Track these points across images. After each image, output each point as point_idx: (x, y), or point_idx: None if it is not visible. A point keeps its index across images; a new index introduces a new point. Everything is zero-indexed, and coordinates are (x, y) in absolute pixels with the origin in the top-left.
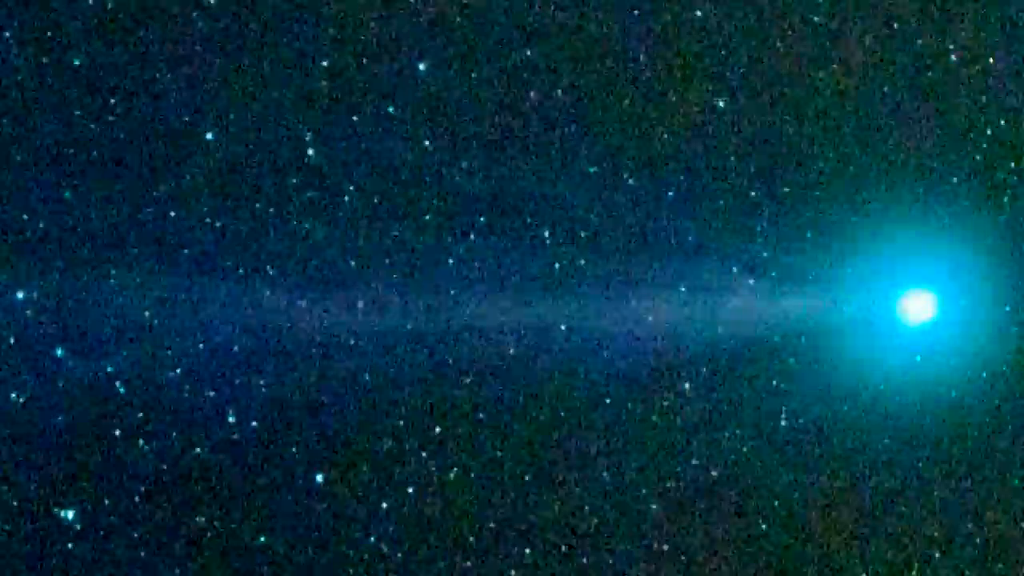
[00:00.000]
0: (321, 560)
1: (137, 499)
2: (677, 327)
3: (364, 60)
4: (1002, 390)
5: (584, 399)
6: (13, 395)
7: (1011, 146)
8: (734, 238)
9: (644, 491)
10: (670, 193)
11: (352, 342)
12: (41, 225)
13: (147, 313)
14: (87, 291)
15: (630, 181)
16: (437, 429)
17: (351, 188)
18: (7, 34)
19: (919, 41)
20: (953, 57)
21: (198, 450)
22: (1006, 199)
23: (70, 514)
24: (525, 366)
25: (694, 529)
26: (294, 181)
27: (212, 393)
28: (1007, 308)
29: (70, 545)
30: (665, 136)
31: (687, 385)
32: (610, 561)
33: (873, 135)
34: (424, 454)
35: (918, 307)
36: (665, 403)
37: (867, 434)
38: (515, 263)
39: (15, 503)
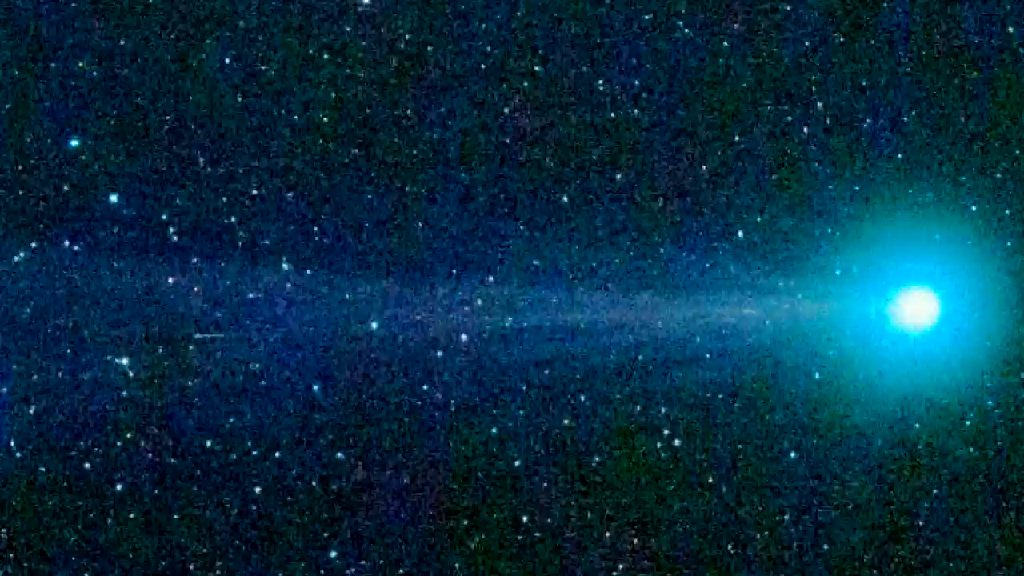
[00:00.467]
0: (321, 560)
1: (135, 502)
2: (676, 328)
3: (365, 60)
4: (1002, 391)
5: (583, 399)
6: (12, 397)
7: (1011, 146)
8: (734, 239)
9: (642, 491)
10: (669, 194)
11: (352, 342)
12: (44, 223)
13: (147, 314)
14: (89, 290)
15: (628, 182)
16: (437, 429)
17: (351, 188)
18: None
19: (919, 41)
20: (953, 57)
21: (197, 451)
22: (1006, 199)
23: (125, 360)
24: (525, 366)
25: (691, 530)
26: (294, 182)
27: (211, 394)
28: (1007, 309)
29: (124, 392)
30: (665, 137)
31: (685, 386)
32: (608, 562)
33: (873, 136)
34: (423, 455)
35: (918, 309)
36: (664, 403)
37: (867, 435)
38: (515, 263)
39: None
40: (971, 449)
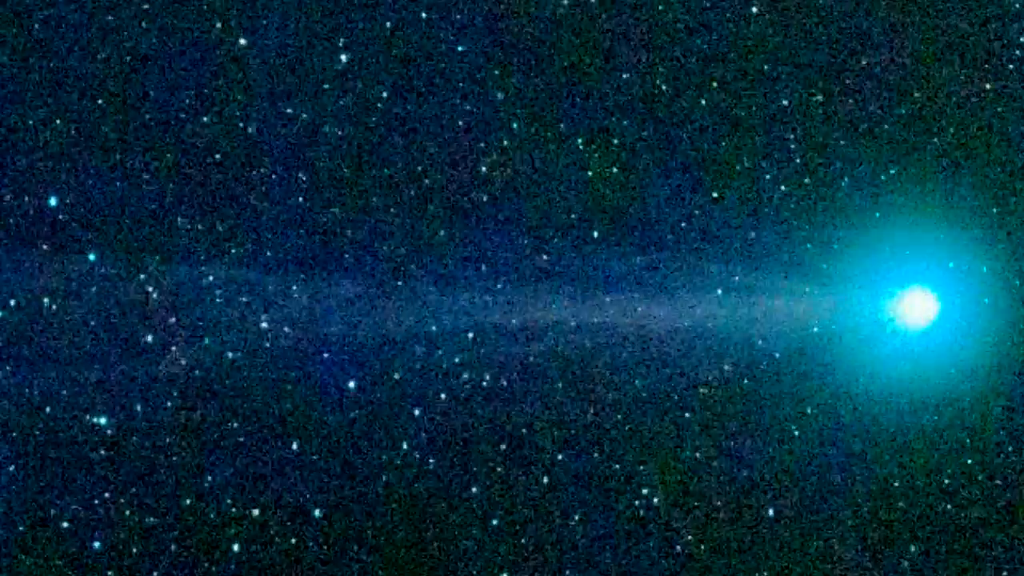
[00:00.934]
0: (320, 561)
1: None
2: (675, 330)
3: (364, 62)
4: (1002, 391)
5: (582, 399)
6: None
7: (1011, 146)
8: (734, 239)
9: (648, 491)
10: (669, 196)
11: (351, 343)
12: (43, 224)
13: (148, 314)
14: (93, 290)
15: (630, 184)
16: (435, 430)
17: (351, 189)
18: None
19: (919, 41)
20: (953, 58)
21: (196, 453)
22: (1006, 199)
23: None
24: (527, 366)
25: (696, 529)
26: (293, 182)
27: (210, 394)
28: (1007, 309)
29: (101, 451)
30: (667, 138)
31: (686, 386)
32: (616, 561)
33: (874, 136)
34: (423, 455)
35: (918, 309)
36: (665, 404)
37: (867, 434)
38: (516, 264)
39: (47, 409)
40: (971, 449)
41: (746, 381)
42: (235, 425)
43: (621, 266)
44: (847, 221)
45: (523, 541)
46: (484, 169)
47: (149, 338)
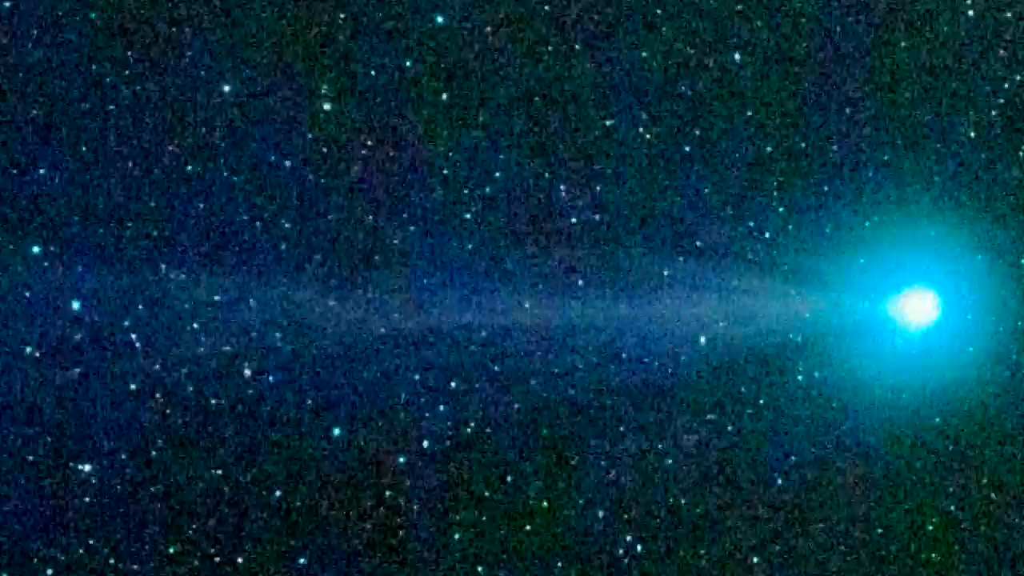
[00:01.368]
0: (318, 564)
1: (153, 450)
2: (674, 330)
3: (364, 62)
4: (1002, 391)
5: (582, 401)
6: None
7: (1011, 146)
8: (733, 241)
9: (644, 492)
10: (669, 195)
11: (351, 344)
12: (38, 225)
13: (143, 316)
14: (86, 292)
15: (629, 183)
16: (434, 431)
17: (351, 189)
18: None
19: (919, 41)
20: (953, 57)
21: (194, 454)
22: (1006, 199)
23: (87, 467)
24: (523, 368)
25: (694, 530)
26: (292, 182)
27: (209, 395)
28: (1008, 310)
29: (86, 499)
30: (665, 138)
31: (685, 387)
32: (610, 563)
33: (873, 136)
34: (421, 456)
35: (919, 309)
36: (664, 404)
37: (867, 434)
38: (514, 264)
39: (31, 456)
40: (971, 449)
41: (745, 381)
42: (235, 426)
43: (621, 266)
44: (847, 221)
45: (523, 541)
46: (484, 169)
47: (149, 338)
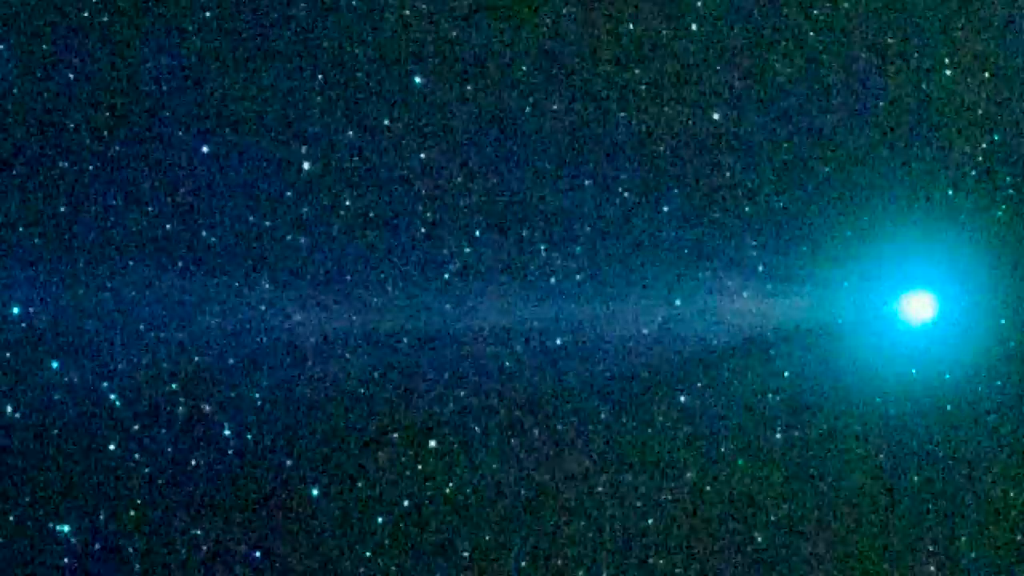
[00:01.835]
0: (317, 569)
1: (132, 510)
2: (675, 330)
3: (364, 65)
4: (1002, 390)
5: (581, 402)
6: (9, 407)
7: (1011, 146)
8: (733, 240)
9: (640, 493)
10: (668, 195)
11: (350, 345)
12: (37, 232)
13: (141, 321)
14: (84, 298)
15: (627, 184)
16: (434, 431)
17: (351, 190)
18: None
19: (918, 42)
20: (953, 58)
21: (194, 459)
22: (1006, 199)
23: (66, 527)
24: (521, 370)
25: (690, 532)
26: (292, 183)
27: (209, 399)
28: (1006, 309)
29: (65, 559)
30: (664, 139)
31: (685, 387)
32: (608, 562)
33: (873, 136)
34: (421, 456)
35: (917, 308)
36: (663, 405)
37: (867, 435)
38: (512, 267)
39: (11, 517)
40: (971, 449)
41: (744, 381)
42: (233, 425)
43: (620, 267)
44: (847, 221)
45: (523, 541)
46: (484, 169)
47: (148, 338)
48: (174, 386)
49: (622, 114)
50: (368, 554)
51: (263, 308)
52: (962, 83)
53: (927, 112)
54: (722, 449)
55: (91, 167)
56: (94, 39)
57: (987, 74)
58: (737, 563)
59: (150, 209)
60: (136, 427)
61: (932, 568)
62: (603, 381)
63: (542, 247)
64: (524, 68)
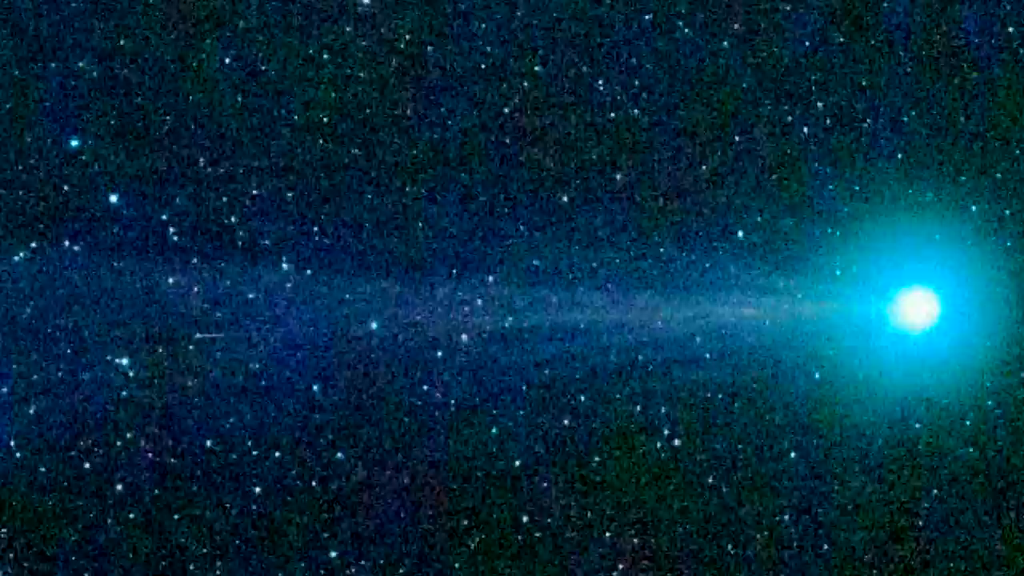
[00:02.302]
0: (321, 560)
1: (133, 506)
2: (676, 328)
3: (365, 59)
4: (1002, 391)
5: (583, 399)
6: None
7: (1011, 146)
8: (734, 239)
9: (642, 491)
10: (669, 194)
11: (352, 342)
12: (43, 223)
13: (147, 313)
14: (89, 290)
15: (628, 182)
16: (437, 429)
17: (351, 189)
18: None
19: (919, 41)
20: (953, 57)
21: (197, 451)
22: (1006, 199)
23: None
24: (525, 366)
25: (691, 530)
26: (292, 183)
27: (211, 394)
28: (1007, 309)
29: (65, 558)
30: (663, 139)
31: (686, 385)
32: (608, 562)
33: (873, 136)
34: (423, 455)
35: (918, 309)
36: (664, 403)
37: (867, 434)
38: (515, 263)
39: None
40: (971, 449)
41: (746, 381)
42: (235, 425)
43: (622, 266)
44: (847, 221)
45: (523, 541)
46: (484, 169)
47: (148, 339)
48: (177, 375)
49: (621, 110)
50: (368, 551)
51: (265, 303)
52: (962, 83)
53: (928, 111)
54: (723, 447)
55: (94, 160)
56: (95, 37)
57: (988, 73)
58: (737, 561)
59: (150, 204)
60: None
61: (932, 566)
62: (601, 379)
63: (543, 245)
64: (524, 68)
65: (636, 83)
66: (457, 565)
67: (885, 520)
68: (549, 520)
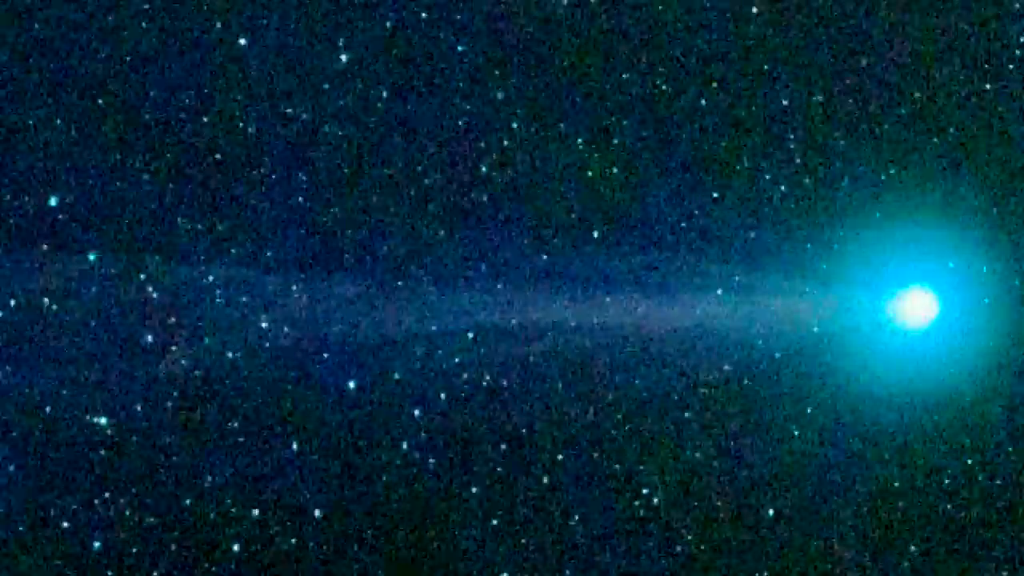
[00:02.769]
0: (319, 562)
1: (133, 504)
2: (676, 328)
3: (365, 61)
4: (1002, 391)
5: (582, 399)
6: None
7: (1011, 146)
8: (734, 239)
9: (648, 490)
10: (669, 196)
11: (351, 343)
12: (44, 223)
13: (148, 315)
14: (94, 290)
15: (628, 183)
16: (432, 432)
17: (351, 189)
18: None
19: (919, 41)
20: (952, 57)
21: (195, 452)
22: (1006, 199)
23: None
24: (527, 366)
25: (696, 529)
26: (293, 182)
27: (209, 394)
28: (1007, 309)
29: (65, 556)
30: (664, 138)
31: (686, 386)
32: (615, 562)
33: (873, 136)
34: (420, 457)
35: (918, 309)
36: (665, 403)
37: (867, 434)
38: (516, 264)
39: (10, 516)
40: (971, 449)
41: (746, 381)
42: (235, 425)
43: (621, 266)
44: (847, 221)
45: (523, 541)
46: (484, 169)
47: (149, 338)
48: (177, 373)
49: (624, 109)
50: (369, 552)
51: (264, 305)
52: (963, 83)
53: (927, 111)
54: (724, 446)
55: (92, 163)
56: (97, 36)
57: (987, 74)
58: (740, 559)
59: (150, 205)
60: (172, 320)
61: (932, 567)
62: (601, 380)
63: (543, 246)
64: (525, 64)
65: (635, 83)
66: (457, 565)
67: (885, 520)
68: (549, 520)
